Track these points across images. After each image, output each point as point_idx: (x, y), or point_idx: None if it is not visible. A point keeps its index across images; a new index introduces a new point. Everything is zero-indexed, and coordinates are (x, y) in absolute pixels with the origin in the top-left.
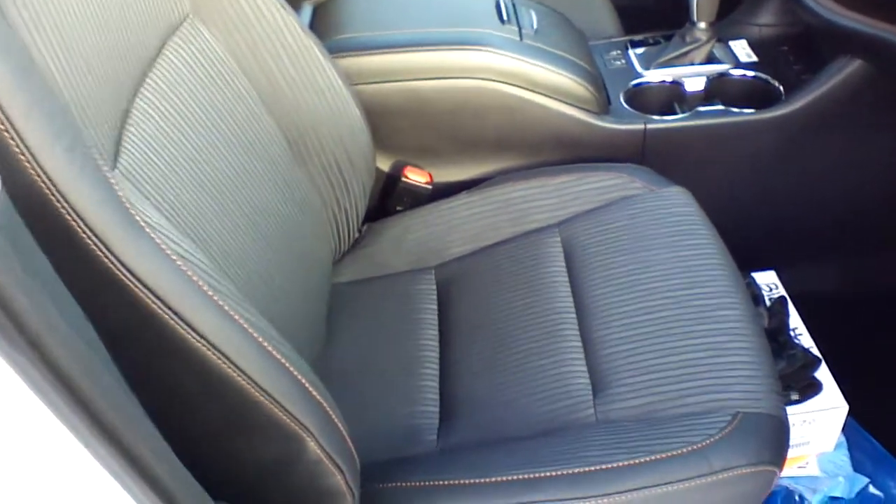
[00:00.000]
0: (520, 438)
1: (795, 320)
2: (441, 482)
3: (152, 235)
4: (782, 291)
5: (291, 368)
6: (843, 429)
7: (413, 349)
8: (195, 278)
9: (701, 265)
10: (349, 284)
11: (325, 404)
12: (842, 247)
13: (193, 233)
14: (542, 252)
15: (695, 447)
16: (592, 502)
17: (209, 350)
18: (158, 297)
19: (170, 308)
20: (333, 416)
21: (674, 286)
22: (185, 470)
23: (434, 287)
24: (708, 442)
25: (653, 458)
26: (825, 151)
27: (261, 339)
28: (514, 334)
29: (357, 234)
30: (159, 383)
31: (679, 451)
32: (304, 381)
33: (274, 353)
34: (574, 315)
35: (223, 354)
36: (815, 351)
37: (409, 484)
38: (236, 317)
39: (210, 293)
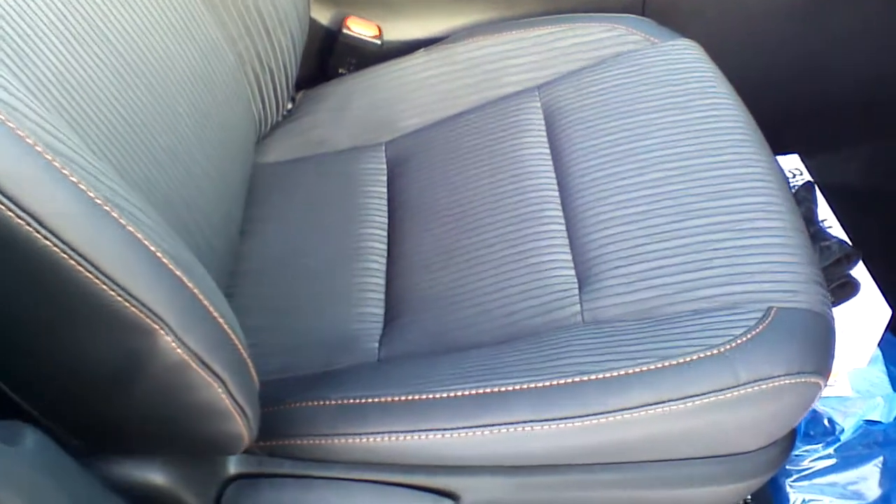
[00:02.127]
0: (482, 345)
1: (824, 211)
2: (373, 399)
3: None
4: (808, 177)
5: (150, 245)
6: (880, 341)
7: (355, 240)
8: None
9: (718, 129)
10: (278, 165)
11: (195, 291)
12: (872, 130)
13: (52, 96)
14: (518, 121)
15: (715, 351)
16: (578, 425)
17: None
18: None
19: None
20: (211, 310)
21: (683, 154)
22: None
23: (384, 167)
24: (733, 345)
25: (661, 365)
26: (857, 7)
27: (123, 221)
28: (479, 219)
29: (288, 103)
30: None
31: (694, 357)
32: (167, 262)
33: (133, 230)
34: (556, 193)
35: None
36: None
37: (334, 401)
38: (89, 192)
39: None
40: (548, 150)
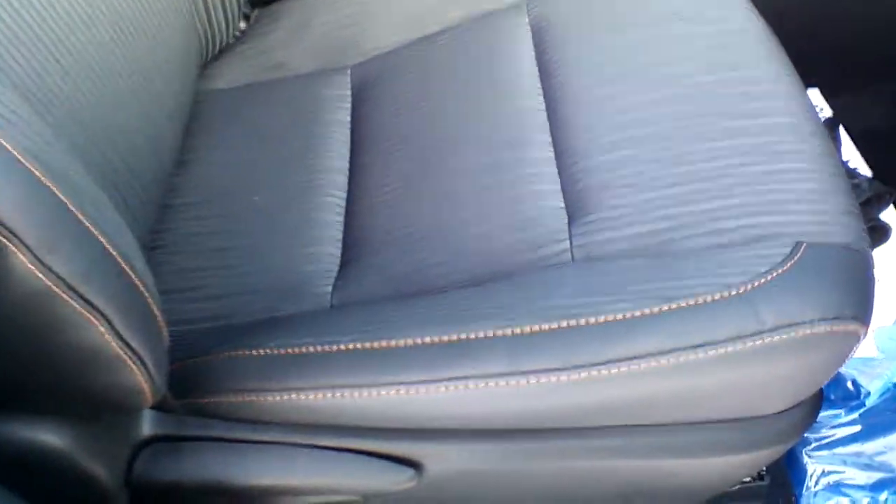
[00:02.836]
0: (452, 289)
1: (849, 151)
2: (316, 347)
3: None
4: (829, 113)
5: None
6: None
7: (311, 173)
8: None
9: (736, 43)
10: (228, 91)
11: (68, 203)
12: None
13: None
14: (502, 38)
15: (735, 291)
16: (564, 380)
17: None
18: None
19: None
20: (90, 227)
21: (696, 70)
22: None
23: (348, 93)
24: (756, 284)
25: (667, 307)
26: None
27: None
28: (454, 147)
29: (241, 22)
30: None
31: (709, 298)
32: (30, 165)
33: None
34: (545, 116)
35: None
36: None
37: (268, 350)
38: None
39: None
40: (535, 70)
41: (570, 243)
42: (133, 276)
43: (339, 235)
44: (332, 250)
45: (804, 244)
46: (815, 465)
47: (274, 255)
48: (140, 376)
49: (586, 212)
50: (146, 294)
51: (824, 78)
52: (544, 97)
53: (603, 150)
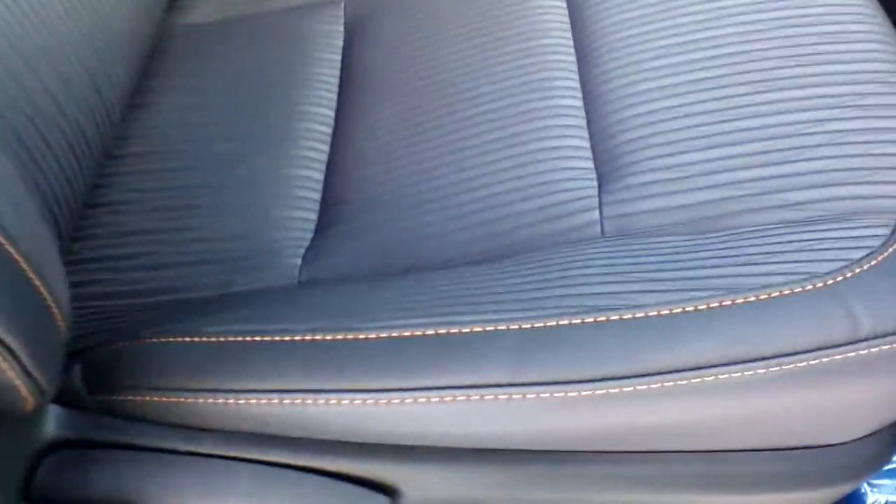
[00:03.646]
0: (448, 266)
1: None
2: (266, 337)
3: None
4: None
5: None
6: None
7: (290, 120)
8: None
9: None
10: (202, 27)
11: None
12: None
13: None
14: None
15: (820, 284)
16: (586, 395)
17: None
18: None
19: None
20: None
21: (761, 4)
22: None
23: (340, 29)
24: (848, 275)
25: (729, 301)
26: None
27: None
28: (462, 91)
29: None
30: None
31: (787, 291)
32: None
33: None
34: (573, 57)
35: None
36: None
37: (208, 338)
38: None
39: None
40: (563, 2)
41: (601, 213)
42: (11, 250)
43: (317, 196)
44: (306, 214)
45: None
46: (876, 495)
47: (235, 217)
48: (11, 373)
49: (621, 174)
50: (28, 270)
51: None
52: (572, 33)
53: (643, 99)
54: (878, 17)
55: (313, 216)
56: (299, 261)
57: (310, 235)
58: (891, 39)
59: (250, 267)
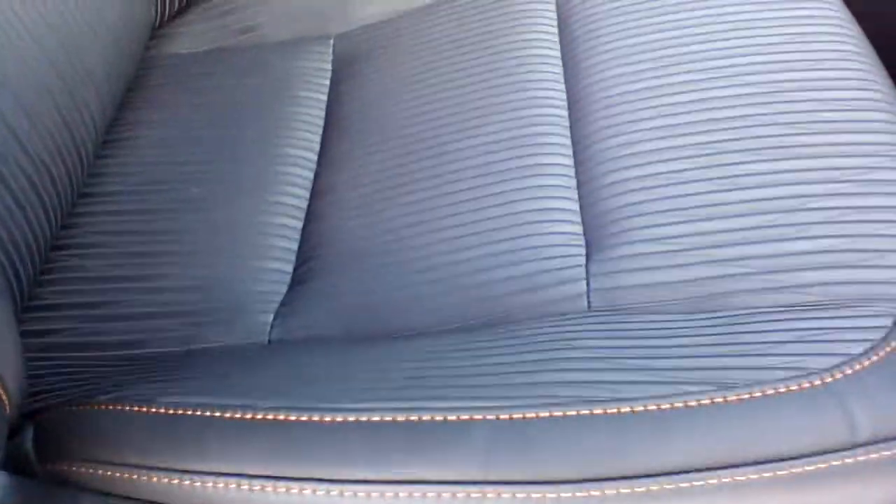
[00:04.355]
0: (425, 333)
1: None
2: (221, 413)
3: None
4: None
5: None
6: None
7: (270, 163)
8: None
9: (820, 35)
10: (184, 57)
11: None
12: None
13: None
14: (518, 11)
15: (817, 382)
16: (566, 498)
17: None
18: None
19: None
20: None
21: (764, 63)
22: None
23: (328, 67)
24: (848, 371)
25: (721, 398)
26: None
27: None
28: (449, 142)
29: None
30: None
31: (781, 388)
32: None
33: None
34: (565, 112)
35: None
36: None
37: (160, 409)
38: None
39: None
40: (558, 53)
41: (588, 285)
42: None
43: (294, 246)
44: (281, 265)
45: None
46: None
47: (207, 266)
48: None
49: (611, 243)
50: None
51: None
52: (566, 86)
53: (637, 162)
54: (882, 82)
55: (289, 268)
56: (270, 317)
57: (283, 289)
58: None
59: (219, 321)
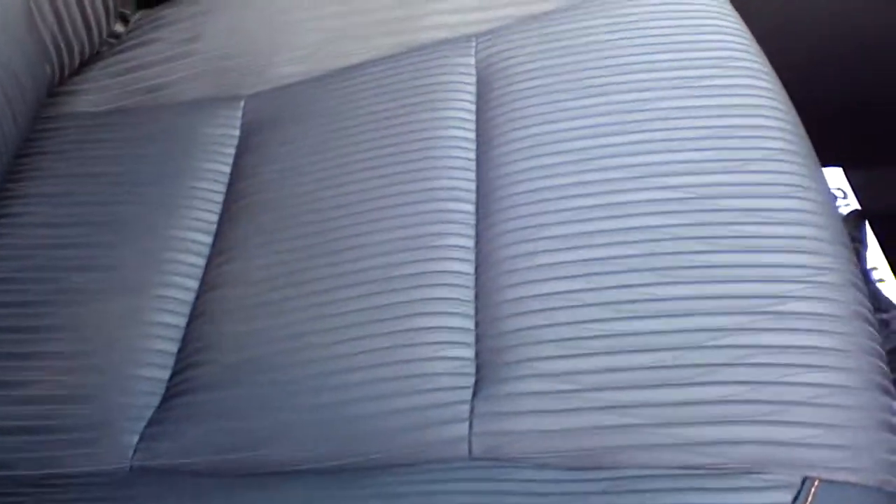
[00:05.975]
0: (299, 471)
1: (874, 255)
2: None
3: None
4: (854, 203)
5: None
6: None
7: (161, 246)
8: None
9: (747, 126)
10: (81, 118)
11: None
12: None
13: None
14: (438, 83)
15: None
16: None
17: None
18: None
19: None
20: None
21: (682, 166)
22: None
23: (236, 132)
24: None
25: None
26: None
27: None
28: (351, 240)
29: (116, 25)
30: None
31: None
32: None
33: None
34: (472, 206)
35: None
36: None
37: None
38: None
39: None
40: (473, 135)
41: (470, 427)
42: None
43: (175, 348)
44: (157, 371)
45: (816, 480)
46: None
47: (78, 372)
48: None
49: (501, 376)
50: None
51: (848, 155)
52: (477, 174)
53: (536, 277)
54: (817, 187)
55: (165, 375)
56: (135, 438)
57: (155, 402)
58: (832, 221)
59: (81, 441)
